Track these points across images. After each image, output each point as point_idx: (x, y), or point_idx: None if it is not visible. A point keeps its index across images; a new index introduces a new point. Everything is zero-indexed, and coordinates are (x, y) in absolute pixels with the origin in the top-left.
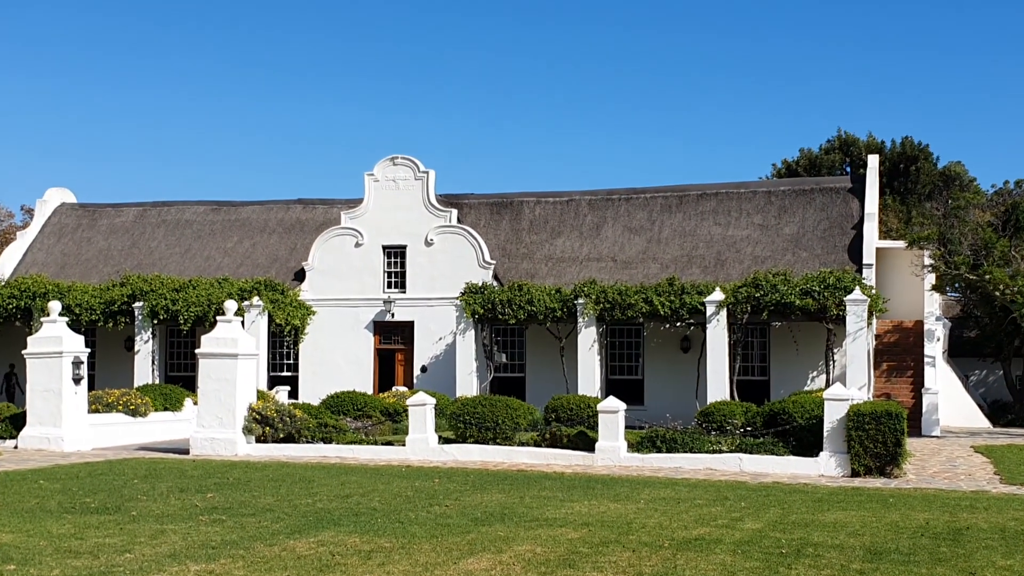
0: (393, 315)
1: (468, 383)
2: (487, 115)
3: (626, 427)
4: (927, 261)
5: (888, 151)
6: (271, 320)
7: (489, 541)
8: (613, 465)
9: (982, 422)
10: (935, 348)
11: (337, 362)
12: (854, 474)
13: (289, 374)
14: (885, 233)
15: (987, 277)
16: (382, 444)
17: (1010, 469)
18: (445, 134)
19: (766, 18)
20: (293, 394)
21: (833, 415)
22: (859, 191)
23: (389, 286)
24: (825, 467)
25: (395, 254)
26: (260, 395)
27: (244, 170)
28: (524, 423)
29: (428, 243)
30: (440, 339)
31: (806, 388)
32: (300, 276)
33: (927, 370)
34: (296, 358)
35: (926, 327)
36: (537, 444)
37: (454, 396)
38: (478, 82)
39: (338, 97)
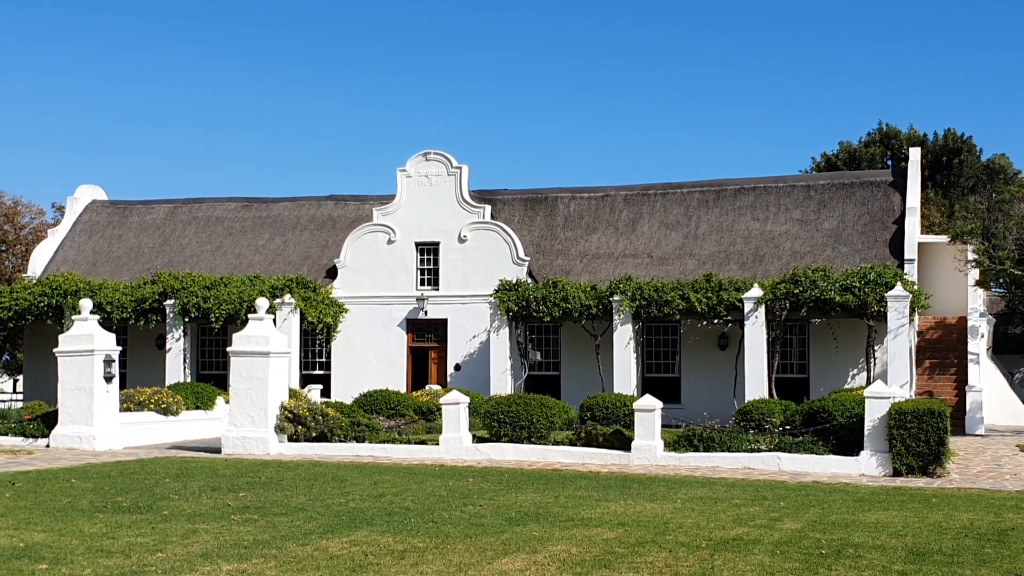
0: (426, 313)
1: (502, 381)
2: (521, 111)
3: (662, 426)
4: (971, 256)
5: (930, 144)
6: (303, 318)
7: (523, 541)
8: (649, 464)
9: None
10: (979, 345)
11: (369, 360)
12: (896, 474)
13: (321, 372)
14: (927, 228)
15: None
16: (415, 443)
17: None
18: (479, 129)
19: (804, 12)
20: (325, 392)
21: (874, 413)
22: (900, 185)
23: (422, 283)
24: (866, 466)
25: (428, 251)
26: (292, 393)
27: (275, 167)
28: (559, 422)
29: (461, 240)
30: (474, 337)
31: (846, 386)
32: (332, 273)
33: (971, 367)
34: (328, 356)
35: (970, 323)
36: (572, 443)
37: (488, 395)
38: (511, 78)
39: (371, 93)
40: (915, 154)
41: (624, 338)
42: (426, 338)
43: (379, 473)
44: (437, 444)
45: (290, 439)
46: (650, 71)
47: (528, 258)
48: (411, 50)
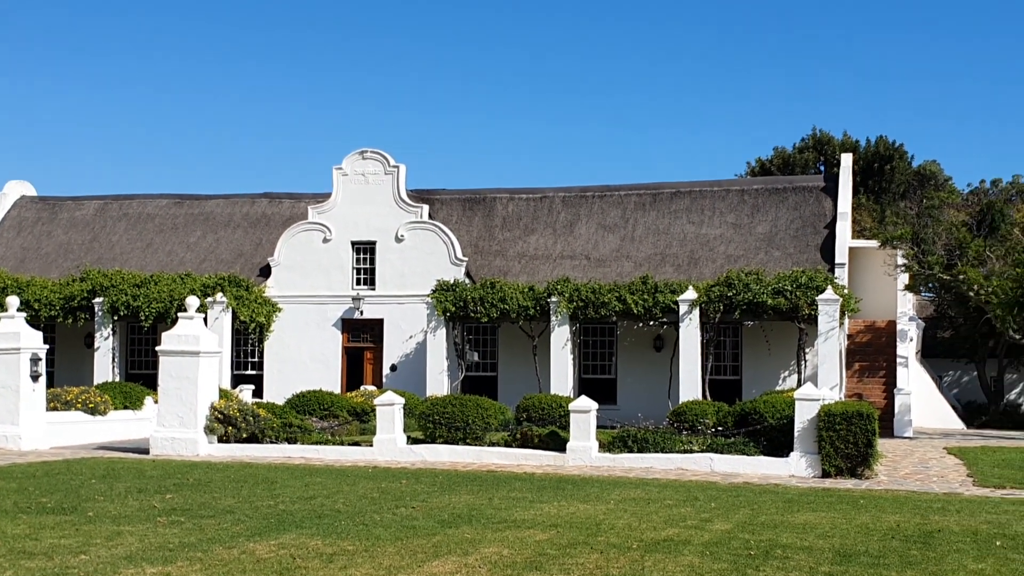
0: (362, 312)
1: (439, 382)
2: (460, 110)
3: (598, 427)
4: (900, 261)
5: (862, 150)
6: (235, 317)
7: (455, 543)
8: (584, 465)
9: (955, 423)
10: (908, 348)
11: (303, 360)
12: (825, 475)
13: (253, 372)
14: (858, 232)
15: (961, 277)
16: (349, 444)
17: (983, 471)
18: (418, 129)
19: (740, 19)
20: (257, 393)
21: (804, 415)
22: (832, 190)
23: (358, 283)
24: (796, 467)
25: (364, 250)
26: (223, 394)
27: (209, 164)
28: (495, 423)
29: (398, 239)
30: (410, 337)
31: (778, 388)
32: (266, 272)
33: (900, 371)
34: (261, 356)
35: (899, 327)
36: (508, 444)
37: (424, 395)
38: (451, 77)
39: (308, 91)
40: (847, 160)
41: (561, 339)
42: (362, 338)
43: (310, 475)
44: (371, 445)
45: (220, 440)
46: (589, 73)
47: (466, 258)
48: (348, 47)
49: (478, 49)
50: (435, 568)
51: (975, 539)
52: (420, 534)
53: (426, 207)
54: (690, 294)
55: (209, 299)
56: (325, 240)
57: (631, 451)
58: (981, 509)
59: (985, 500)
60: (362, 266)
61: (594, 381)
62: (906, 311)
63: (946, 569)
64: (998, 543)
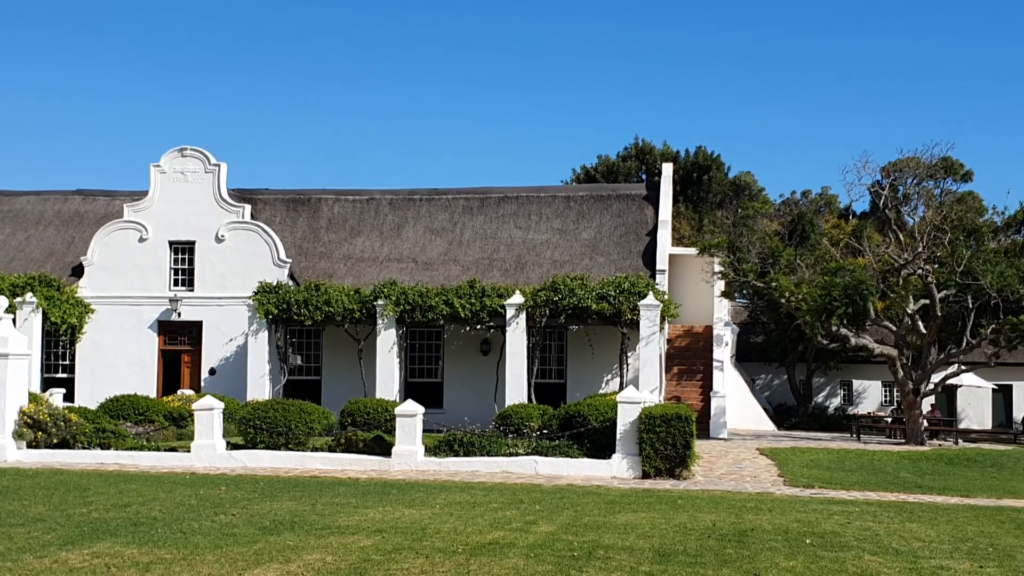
0: (180, 314)
1: (260, 386)
2: (285, 109)
3: (425, 431)
4: (717, 268)
5: (682, 160)
6: (45, 318)
7: (277, 551)
8: (410, 470)
9: (767, 425)
10: (724, 353)
11: (118, 363)
12: (645, 476)
13: (65, 376)
14: (678, 240)
15: (773, 284)
16: (165, 450)
17: (793, 471)
18: (240, 128)
19: (567, 30)
20: (69, 397)
21: (626, 418)
22: (654, 198)
23: (176, 284)
24: (617, 469)
25: (183, 250)
26: (32, 398)
27: (20, 160)
28: (318, 428)
29: (219, 239)
30: (231, 340)
31: (601, 391)
32: (79, 272)
33: (716, 374)
34: (73, 359)
35: (715, 332)
36: (331, 449)
37: (245, 400)
38: (275, 75)
39: (127, 88)
40: (667, 169)
41: (387, 343)
42: (179, 341)
43: (125, 481)
44: (189, 451)
45: (29, 446)
46: (418, 75)
47: (289, 260)
48: (169, 44)
49: (304, 47)
50: None
51: (786, 537)
52: (240, 542)
53: (248, 207)
54: (517, 298)
55: (18, 299)
56: (142, 239)
57: (457, 455)
58: (792, 508)
59: (795, 499)
60: (180, 266)
61: (421, 385)
62: (722, 317)
63: (759, 566)
64: (808, 541)
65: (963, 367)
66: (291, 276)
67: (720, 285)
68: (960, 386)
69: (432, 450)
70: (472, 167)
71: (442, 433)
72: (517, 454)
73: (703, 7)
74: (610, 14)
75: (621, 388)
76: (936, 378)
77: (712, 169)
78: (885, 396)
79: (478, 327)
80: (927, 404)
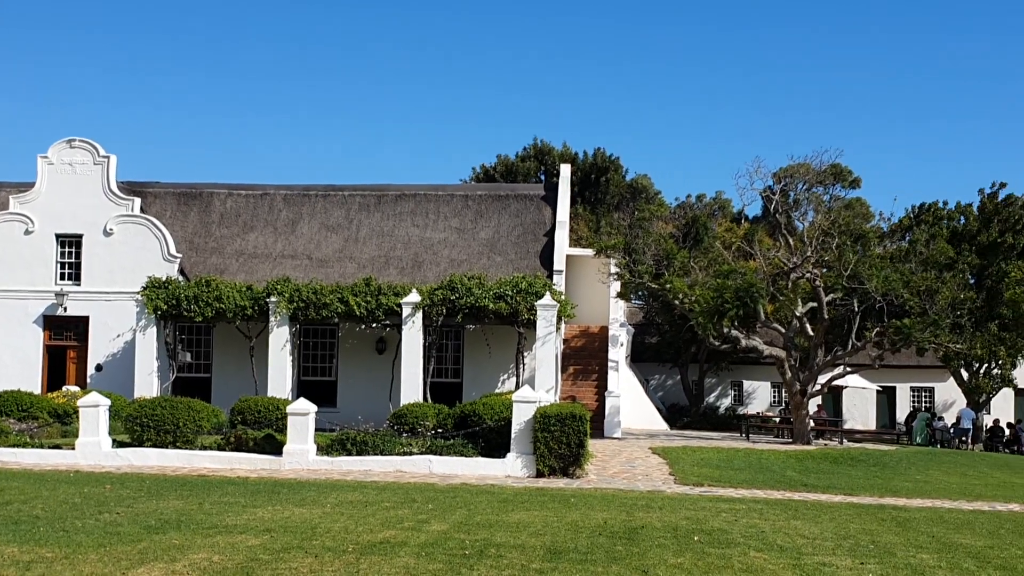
0: (66, 309)
1: (148, 383)
2: (177, 103)
3: (317, 430)
4: (613, 269)
5: (581, 161)
6: None
7: (162, 550)
8: (301, 469)
9: (661, 424)
10: (619, 353)
11: (1, 358)
12: (539, 475)
13: None
14: (576, 241)
15: (667, 286)
16: (49, 448)
17: (684, 470)
18: (131, 120)
19: (469, 29)
20: None
21: (521, 417)
22: (552, 199)
23: (62, 278)
24: (512, 468)
25: (70, 243)
26: None
27: None
28: (208, 426)
29: (107, 233)
30: (119, 336)
31: (497, 390)
32: None
33: (611, 374)
34: None
35: (611, 333)
36: (221, 448)
37: (132, 397)
38: (167, 70)
39: (15, 80)
40: (566, 170)
41: (280, 340)
42: (65, 336)
43: (7, 479)
44: (73, 449)
45: None
46: (317, 71)
47: (180, 255)
48: (60, 37)
49: (197, 41)
50: (140, 575)
51: (675, 534)
52: (125, 540)
53: (138, 200)
54: (413, 297)
55: None
56: (27, 232)
57: (350, 454)
58: (681, 506)
59: (685, 497)
60: (68, 260)
61: (314, 383)
62: (618, 317)
63: (648, 563)
64: (696, 538)
65: (849, 369)
66: (181, 271)
67: (616, 286)
68: (846, 387)
69: (324, 449)
70: (370, 164)
71: (335, 432)
72: (411, 453)
73: (602, 9)
74: (510, 12)
75: (517, 387)
76: (823, 379)
77: (610, 171)
78: (774, 396)
79: (374, 325)
80: (814, 405)
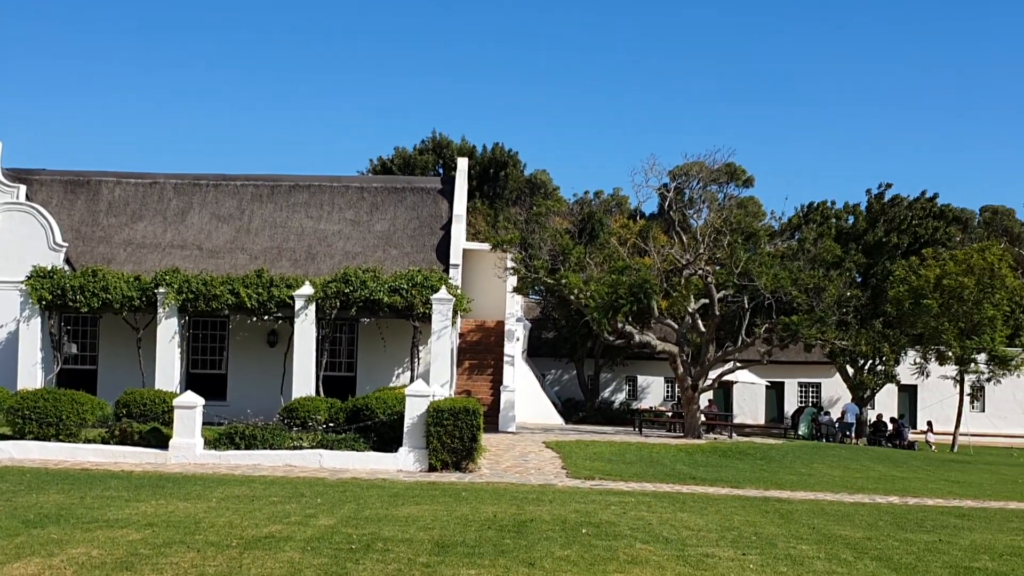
0: None
1: (32, 375)
2: (65, 88)
3: (206, 423)
4: (509, 264)
5: (479, 156)
6: None
7: (40, 544)
8: (188, 463)
9: (556, 419)
10: (515, 348)
11: None
12: (432, 469)
13: None
14: (473, 235)
15: (563, 281)
16: None
17: (576, 463)
18: (15, 106)
19: (365, 19)
20: None
21: (414, 411)
22: (449, 193)
23: None
24: (404, 462)
25: None
26: None
27: None
28: (92, 419)
29: None
30: (2, 327)
31: (392, 384)
32: None
33: (506, 369)
34: None
35: (507, 327)
36: (105, 441)
37: (16, 389)
38: (55, 54)
39: None
40: (463, 164)
41: (168, 332)
42: None
43: None
44: None
45: None
46: (210, 58)
47: (66, 244)
48: None
49: (78, 27)
50: (16, 570)
51: (564, 527)
52: (1, 535)
53: (23, 187)
54: (306, 289)
55: None
56: None
57: (239, 448)
58: (572, 499)
59: (576, 490)
60: None
61: (204, 376)
62: (514, 312)
63: (535, 556)
64: (584, 531)
65: (739, 364)
66: (67, 261)
67: (512, 281)
68: (736, 382)
69: (212, 443)
70: (265, 154)
71: (224, 426)
72: (301, 447)
73: (504, 4)
74: (409, 4)
75: (412, 382)
76: (714, 374)
77: (509, 166)
78: (667, 391)
79: (265, 318)
80: (705, 399)
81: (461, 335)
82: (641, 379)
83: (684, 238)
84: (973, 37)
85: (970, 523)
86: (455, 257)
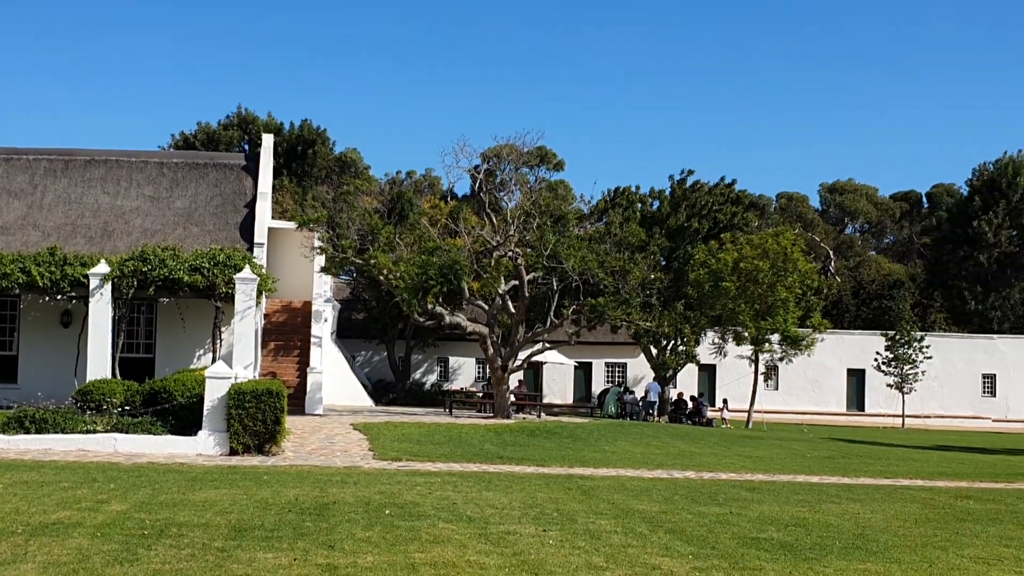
0: None
1: None
2: None
3: None
4: (317, 243)
5: (287, 132)
6: None
7: None
8: None
9: (366, 401)
10: (323, 329)
11: None
12: (233, 452)
13: None
14: (280, 214)
15: (372, 262)
16: None
17: (383, 445)
18: None
19: None
20: None
21: (214, 394)
22: (254, 169)
23: None
24: (204, 446)
25: None
26: None
27: None
28: None
29: None
30: None
31: (193, 366)
32: None
33: (313, 350)
34: None
35: (315, 308)
36: None
37: None
38: None
39: None
40: (268, 140)
41: None
42: None
43: None
44: None
45: None
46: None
47: None
48: None
49: None
50: None
51: (367, 509)
52: None
53: None
54: (102, 268)
55: None
56: None
57: (28, 432)
58: (377, 481)
59: (382, 472)
60: None
61: None
62: (322, 293)
63: (336, 538)
64: (388, 512)
65: (548, 345)
66: None
67: (320, 261)
68: (546, 363)
69: (1, 427)
70: (58, 128)
71: (13, 409)
72: (95, 431)
73: None
74: None
75: (214, 363)
76: (523, 355)
77: (317, 143)
78: (479, 372)
79: (59, 297)
80: (515, 380)
81: (266, 316)
82: (452, 360)
83: (495, 220)
84: (765, 32)
85: (760, 496)
86: (260, 236)
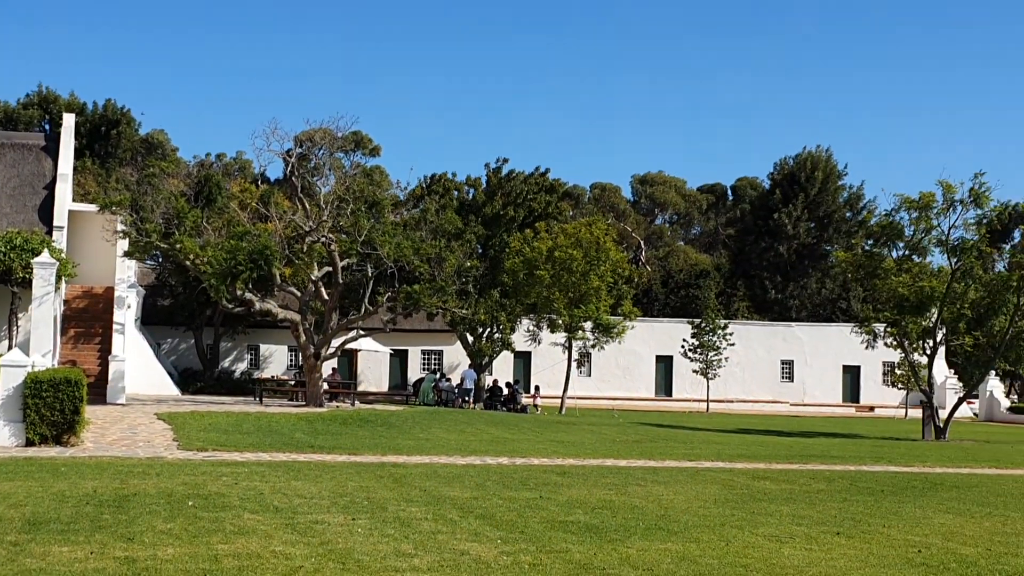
0: None
1: None
2: None
3: None
4: (120, 227)
5: (90, 113)
6: None
7: None
8: None
9: (172, 390)
10: (126, 315)
11: None
12: (29, 444)
13: None
14: (82, 196)
15: (178, 246)
16: None
17: (189, 435)
18: None
19: None
20: None
21: (10, 382)
22: (54, 150)
23: None
24: None
25: None
26: None
27: None
28: None
29: None
30: None
31: None
32: None
33: (116, 337)
34: None
35: (117, 294)
36: None
37: None
38: None
39: None
40: (69, 120)
41: None
42: None
43: None
44: None
45: None
46: None
47: None
48: None
49: None
50: None
51: (170, 500)
52: None
53: None
54: None
55: None
56: None
57: None
58: (181, 472)
59: (186, 463)
60: None
61: None
62: (126, 278)
63: (135, 530)
64: (191, 503)
65: (363, 332)
66: None
67: (123, 245)
68: (360, 350)
69: None
70: None
71: None
72: None
73: None
74: None
75: (10, 351)
76: (337, 343)
77: (122, 124)
78: (291, 360)
79: None
80: (328, 368)
81: (67, 302)
82: (264, 348)
83: (307, 205)
84: (587, 27)
85: (570, 480)
86: (59, 219)
